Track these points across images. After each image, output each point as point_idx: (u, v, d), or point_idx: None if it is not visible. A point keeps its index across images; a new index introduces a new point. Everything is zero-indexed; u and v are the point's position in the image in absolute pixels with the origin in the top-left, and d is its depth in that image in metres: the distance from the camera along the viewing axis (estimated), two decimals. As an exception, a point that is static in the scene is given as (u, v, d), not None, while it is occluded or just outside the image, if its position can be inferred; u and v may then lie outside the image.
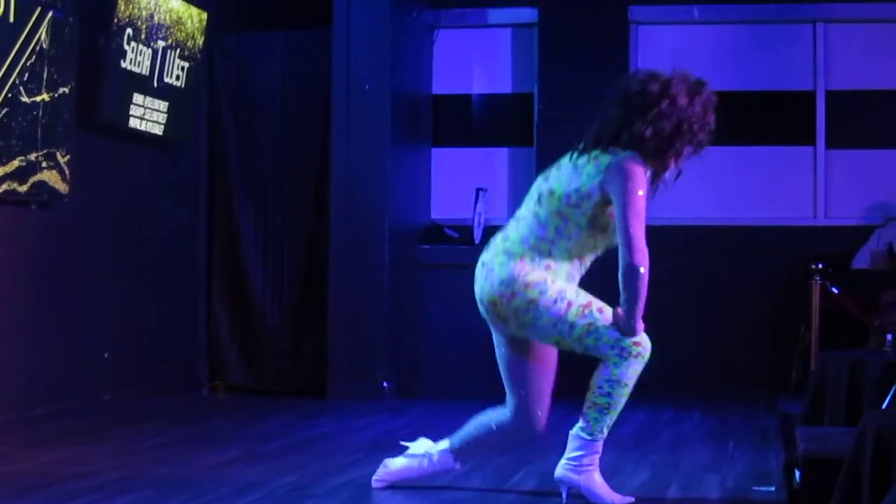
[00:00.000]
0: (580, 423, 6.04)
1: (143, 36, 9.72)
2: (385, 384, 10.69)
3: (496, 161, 11.69)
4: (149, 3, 9.74)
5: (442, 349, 10.91)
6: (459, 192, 11.51)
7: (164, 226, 10.26)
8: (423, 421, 9.23)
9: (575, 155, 6.05)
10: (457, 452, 6.36)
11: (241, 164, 11.24)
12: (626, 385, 5.93)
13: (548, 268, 5.97)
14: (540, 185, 6.10)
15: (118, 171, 9.77)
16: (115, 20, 9.39)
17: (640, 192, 5.88)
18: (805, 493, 5.61)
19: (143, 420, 8.88)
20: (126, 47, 9.56)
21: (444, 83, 12.07)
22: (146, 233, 9.83)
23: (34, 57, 8.62)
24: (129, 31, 9.55)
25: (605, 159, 5.93)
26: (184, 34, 10.25)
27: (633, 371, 5.93)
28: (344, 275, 10.75)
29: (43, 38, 8.70)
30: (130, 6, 9.53)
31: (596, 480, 6.07)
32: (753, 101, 11.77)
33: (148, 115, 9.94)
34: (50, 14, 8.75)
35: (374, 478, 6.38)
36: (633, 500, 6.12)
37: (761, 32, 11.84)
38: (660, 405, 10.10)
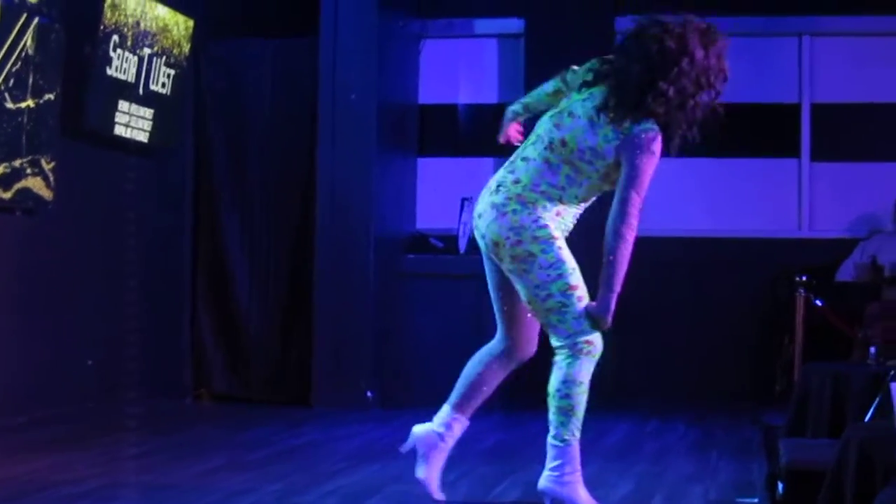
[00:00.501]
0: (551, 432, 6.08)
1: (129, 43, 9.73)
2: (369, 393, 10.70)
3: (482, 171, 11.69)
4: (135, 10, 9.75)
5: (427, 359, 10.90)
6: (445, 202, 11.53)
7: (149, 233, 10.28)
8: (406, 431, 9.22)
9: (591, 107, 6.09)
10: (461, 409, 6.45)
11: (227, 172, 11.24)
12: (581, 383, 6.02)
13: (558, 214, 6.08)
14: (551, 130, 6.14)
15: (103, 177, 9.79)
16: (102, 27, 9.40)
17: (650, 171, 5.96)
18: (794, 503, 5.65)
19: (127, 428, 8.87)
20: (112, 54, 9.58)
21: (430, 93, 12.10)
22: (131, 240, 9.85)
23: (19, 63, 8.62)
24: (115, 38, 9.56)
25: (627, 126, 5.97)
26: (170, 41, 10.27)
27: (585, 369, 6.03)
28: (329, 283, 10.76)
29: (28, 44, 8.71)
30: (117, 13, 9.54)
31: (580, 493, 6.08)
32: (739, 113, 11.74)
33: (133, 123, 9.95)
34: (36, 20, 8.76)
35: (435, 496, 6.36)
36: None
37: (747, 45, 11.85)
38: (644, 416, 10.14)
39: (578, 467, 6.09)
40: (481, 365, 6.41)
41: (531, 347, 6.39)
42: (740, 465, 7.81)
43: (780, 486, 6.05)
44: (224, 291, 11.23)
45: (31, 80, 8.74)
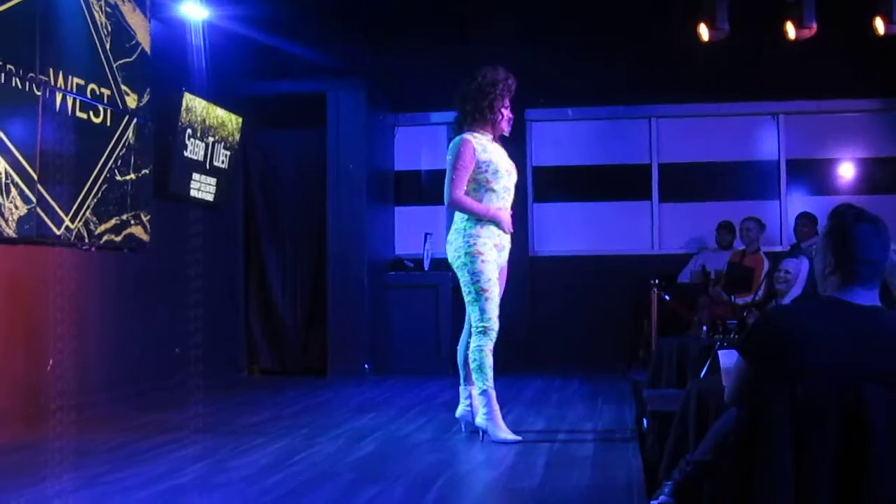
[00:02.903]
0: (473, 386, 6.29)
1: (198, 133, 9.72)
2: (366, 366, 10.69)
3: (439, 215, 11.73)
4: (202, 111, 9.74)
5: (403, 342, 10.94)
6: (414, 236, 11.54)
7: (214, 261, 10.23)
8: (392, 390, 9.22)
9: None
10: (468, 381, 6.41)
11: (266, 220, 11.23)
12: (482, 350, 6.20)
13: (483, 226, 6.24)
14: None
15: (183, 225, 9.74)
16: (179, 123, 9.39)
17: (457, 163, 6.23)
18: (650, 435, 5.67)
19: (203, 394, 8.84)
20: (187, 142, 9.56)
21: (402, 162, 12.12)
22: (203, 267, 9.79)
23: (124, 149, 8.61)
24: (189, 130, 9.55)
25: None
26: (226, 132, 10.26)
27: (485, 343, 6.21)
28: (338, 293, 10.77)
29: (130, 136, 8.69)
30: (189, 114, 9.53)
31: (500, 425, 6.22)
32: (610, 171, 11.87)
33: (203, 188, 9.93)
34: (135, 120, 8.74)
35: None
36: (520, 438, 6.20)
37: (615, 125, 11.94)
38: (551, 376, 10.15)
39: (497, 407, 6.22)
40: (465, 348, 6.44)
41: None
42: (617, 408, 7.83)
43: (645, 421, 6.07)
44: (267, 298, 11.22)
45: (132, 161, 8.73)
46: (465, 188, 6.25)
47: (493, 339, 6.22)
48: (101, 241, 8.33)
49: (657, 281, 10.12)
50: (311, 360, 10.97)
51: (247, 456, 5.77)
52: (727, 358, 4.19)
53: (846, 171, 11.64)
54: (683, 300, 10.34)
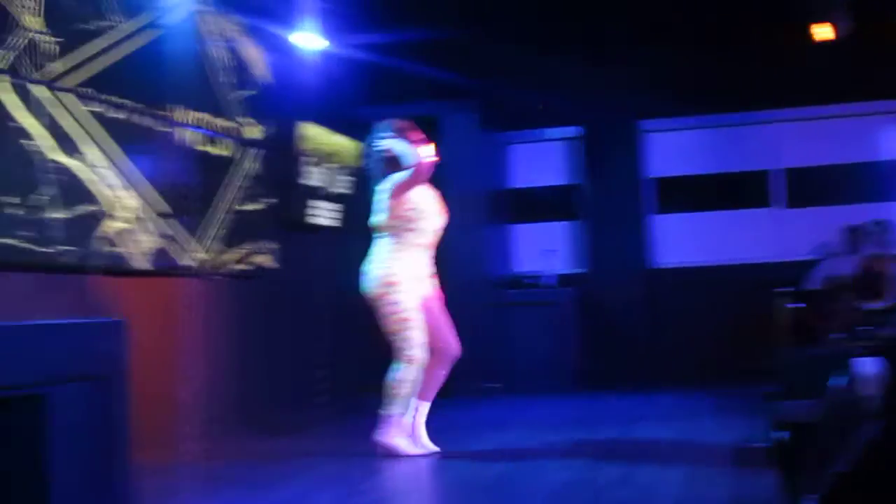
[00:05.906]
0: (383, 406, 6.48)
1: (319, 161, 9.87)
2: (492, 385, 10.71)
3: (555, 231, 11.67)
4: (322, 139, 9.89)
5: (526, 360, 10.95)
6: (531, 253, 11.51)
7: (338, 284, 10.33)
8: (518, 408, 9.22)
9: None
10: (421, 397, 6.60)
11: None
12: (402, 381, 6.44)
13: (399, 259, 6.51)
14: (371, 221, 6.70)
15: (308, 251, 9.87)
16: (300, 151, 9.56)
17: (404, 184, 6.57)
18: (786, 448, 5.60)
19: (332, 416, 8.88)
20: (308, 170, 9.71)
21: (516, 179, 12.13)
22: (327, 290, 9.91)
23: (247, 180, 8.79)
24: (309, 158, 9.71)
25: (382, 187, 6.64)
26: (346, 158, 10.39)
27: (408, 374, 6.43)
28: (459, 311, 10.77)
29: (252, 166, 8.88)
30: (310, 142, 9.69)
31: (398, 442, 6.48)
32: (730, 178, 11.73)
33: (325, 214, 10.06)
34: (256, 151, 8.94)
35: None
36: (438, 450, 6.51)
37: (732, 132, 11.79)
38: (678, 390, 10.08)
39: (398, 427, 6.46)
40: (433, 370, 6.64)
41: (451, 347, 6.69)
42: (749, 420, 7.70)
43: (780, 434, 6.00)
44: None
45: (256, 191, 8.91)
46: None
47: (419, 369, 6.41)
48: (230, 271, 8.52)
49: (783, 289, 9.97)
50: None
51: (377, 477, 5.82)
52: (863, 366, 4.13)
53: (975, 168, 11.36)
54: (812, 308, 10.15)
